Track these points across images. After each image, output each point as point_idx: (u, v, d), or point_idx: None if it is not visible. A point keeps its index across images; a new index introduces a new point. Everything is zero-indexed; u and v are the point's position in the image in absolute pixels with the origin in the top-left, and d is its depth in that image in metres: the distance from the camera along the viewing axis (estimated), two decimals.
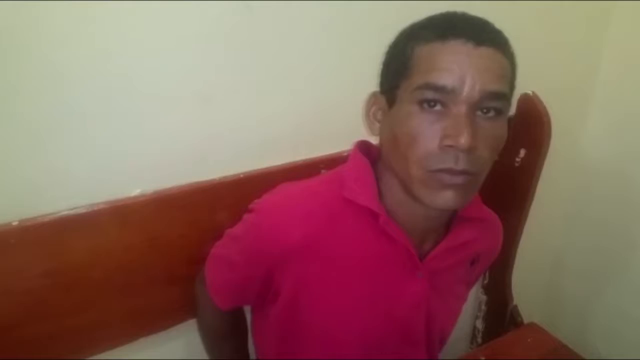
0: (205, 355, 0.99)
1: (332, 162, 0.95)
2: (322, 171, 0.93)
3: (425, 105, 0.60)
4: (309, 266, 0.70)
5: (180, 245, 0.84)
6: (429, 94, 0.59)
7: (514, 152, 1.15)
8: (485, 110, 0.60)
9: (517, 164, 1.16)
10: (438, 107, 0.60)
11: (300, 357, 0.77)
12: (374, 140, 0.75)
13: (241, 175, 0.87)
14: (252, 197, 0.82)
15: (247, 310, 0.92)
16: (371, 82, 0.97)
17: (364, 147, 0.76)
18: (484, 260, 0.87)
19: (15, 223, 0.70)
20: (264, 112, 0.87)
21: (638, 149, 1.36)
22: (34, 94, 0.67)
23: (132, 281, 0.82)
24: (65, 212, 0.73)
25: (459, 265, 0.80)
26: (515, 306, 1.36)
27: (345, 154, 0.97)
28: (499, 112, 0.61)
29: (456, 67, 0.58)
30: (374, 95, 0.71)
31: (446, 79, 0.58)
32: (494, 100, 0.60)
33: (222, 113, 0.83)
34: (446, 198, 0.61)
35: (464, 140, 0.57)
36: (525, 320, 1.32)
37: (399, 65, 0.64)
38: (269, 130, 0.89)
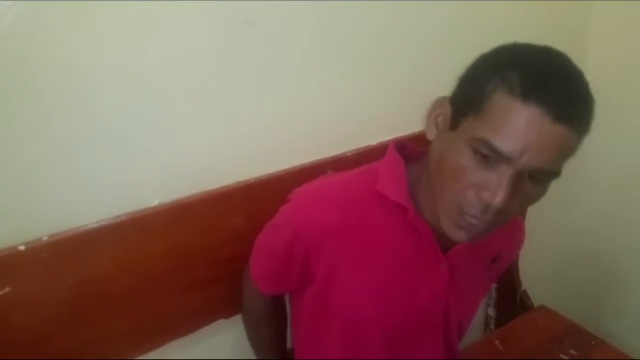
0: (227, 356, 1.03)
1: (336, 163, 0.99)
2: (329, 172, 0.98)
3: (479, 154, 0.61)
4: (341, 251, 0.75)
5: (200, 250, 0.88)
6: (486, 151, 0.60)
7: None
8: (533, 176, 0.61)
9: None
10: (490, 159, 0.60)
11: (325, 340, 0.82)
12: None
13: (253, 181, 0.90)
14: (265, 201, 0.86)
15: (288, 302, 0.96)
16: (371, 88, 1.02)
17: (399, 146, 0.79)
18: (506, 258, 0.90)
19: (45, 239, 0.73)
20: (270, 119, 0.92)
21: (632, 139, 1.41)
22: (61, 114, 0.71)
23: (156, 288, 0.85)
24: (91, 226, 0.77)
25: (480, 262, 0.84)
26: (525, 291, 1.39)
27: (349, 154, 1.02)
28: (547, 180, 0.63)
29: (522, 139, 0.57)
30: (442, 100, 0.69)
31: (507, 147, 0.58)
32: (544, 175, 0.61)
33: (230, 123, 0.87)
34: (461, 236, 0.65)
35: (498, 201, 0.59)
36: (535, 304, 1.35)
37: (475, 96, 0.62)
38: (276, 137, 0.93)
